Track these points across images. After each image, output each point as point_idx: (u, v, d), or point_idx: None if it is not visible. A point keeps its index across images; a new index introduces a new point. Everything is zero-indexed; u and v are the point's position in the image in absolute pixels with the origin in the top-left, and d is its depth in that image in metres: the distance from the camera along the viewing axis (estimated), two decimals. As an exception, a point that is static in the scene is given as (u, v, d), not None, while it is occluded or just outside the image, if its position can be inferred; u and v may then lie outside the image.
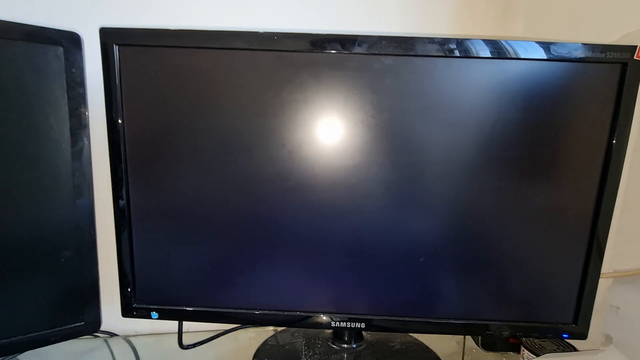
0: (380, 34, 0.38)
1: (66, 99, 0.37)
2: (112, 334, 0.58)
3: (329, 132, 0.41)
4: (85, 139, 0.39)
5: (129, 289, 0.44)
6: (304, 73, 0.39)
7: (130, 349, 0.56)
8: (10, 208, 0.37)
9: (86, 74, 0.40)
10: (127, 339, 0.57)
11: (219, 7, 0.52)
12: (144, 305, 0.45)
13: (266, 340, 0.54)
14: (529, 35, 0.57)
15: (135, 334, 0.59)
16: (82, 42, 0.38)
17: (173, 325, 0.51)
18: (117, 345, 0.56)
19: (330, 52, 0.39)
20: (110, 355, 0.55)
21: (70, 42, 0.37)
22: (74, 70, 0.37)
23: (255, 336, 0.57)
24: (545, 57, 0.38)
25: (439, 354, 0.52)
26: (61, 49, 0.36)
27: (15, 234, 0.38)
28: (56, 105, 0.37)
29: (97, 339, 0.57)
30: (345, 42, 0.38)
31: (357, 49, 0.38)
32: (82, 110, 0.39)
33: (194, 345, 0.52)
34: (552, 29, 0.55)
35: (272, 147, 0.41)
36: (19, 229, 0.38)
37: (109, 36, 0.39)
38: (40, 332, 0.41)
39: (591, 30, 0.49)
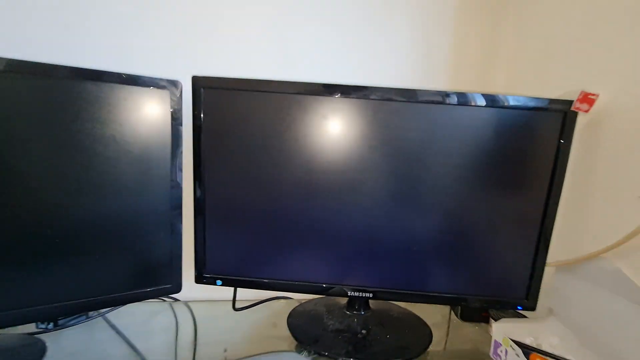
0: (389, 86, 0.54)
1: (169, 127, 0.54)
2: (176, 299, 0.74)
3: (346, 153, 0.56)
4: (180, 152, 0.56)
5: (202, 262, 0.61)
6: (331, 110, 0.55)
7: (188, 311, 0.72)
8: (131, 197, 0.53)
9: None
10: (186, 303, 0.74)
11: (273, 63, 0.70)
12: (212, 275, 0.61)
13: (295, 307, 0.70)
14: (508, 88, 0.74)
15: (193, 300, 0.75)
16: (181, 87, 0.54)
17: (219, 294, 0.68)
18: (179, 308, 0.73)
19: (349, 97, 0.54)
20: (174, 316, 0.71)
21: (174, 86, 0.53)
22: (175, 106, 0.53)
23: (284, 305, 0.73)
24: (508, 106, 0.54)
25: (428, 323, 0.68)
26: (167, 91, 0.53)
27: (132, 215, 0.54)
28: (163, 130, 0.53)
29: (164, 303, 0.74)
30: (361, 90, 0.54)
31: (372, 96, 0.54)
32: (179, 132, 0.55)
33: (242, 309, 0.69)
34: (524, 83, 0.70)
35: (308, 164, 0.57)
36: (135, 213, 0.54)
37: (198, 81, 0.55)
38: (141, 290, 0.57)
39: (551, 86, 0.64)
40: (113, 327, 0.65)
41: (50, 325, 0.60)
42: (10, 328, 0.58)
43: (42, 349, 0.54)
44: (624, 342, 0.48)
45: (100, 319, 0.66)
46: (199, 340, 0.62)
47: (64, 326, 0.62)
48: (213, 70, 0.69)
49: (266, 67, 0.71)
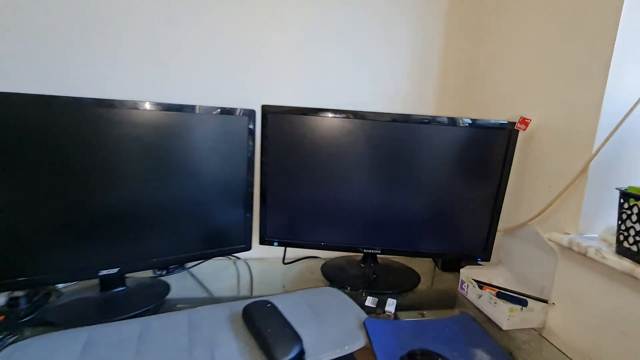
0: (391, 112, 0.80)
1: (245, 140, 0.80)
2: (238, 258, 1.03)
3: (363, 155, 0.83)
4: (253, 155, 0.82)
5: (264, 230, 0.89)
6: (354, 127, 0.82)
7: (246, 266, 1.01)
8: (222, 184, 0.80)
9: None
10: (245, 261, 1.03)
11: (310, 92, 0.95)
12: (271, 239, 0.90)
13: (325, 262, 0.99)
14: (479, 113, 1.00)
15: (249, 258, 1.04)
16: (256, 114, 0.80)
17: (268, 254, 0.97)
18: (240, 264, 1.02)
19: (365, 119, 0.81)
20: (235, 270, 1.00)
21: (251, 114, 0.79)
22: (251, 125, 0.80)
23: (316, 262, 1.02)
24: (476, 125, 0.80)
25: (418, 271, 0.97)
26: (247, 117, 0.79)
27: (222, 197, 0.81)
28: (243, 143, 0.80)
29: (229, 260, 1.03)
30: (374, 114, 0.80)
31: (383, 118, 0.81)
32: (253, 142, 0.82)
33: (288, 263, 0.98)
34: (490, 110, 0.97)
35: (336, 163, 0.84)
36: (225, 195, 0.81)
37: (266, 109, 0.81)
38: (225, 248, 0.86)
39: (504, 111, 0.91)
40: (193, 276, 0.94)
41: (164, 272, 0.89)
42: (138, 272, 0.87)
43: (168, 286, 0.82)
44: (540, 276, 0.78)
45: (185, 271, 0.95)
46: (261, 283, 0.90)
47: (171, 273, 0.90)
48: (271, 97, 0.95)
49: (307, 94, 0.98)
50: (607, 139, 0.63)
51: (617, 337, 0.60)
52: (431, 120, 0.81)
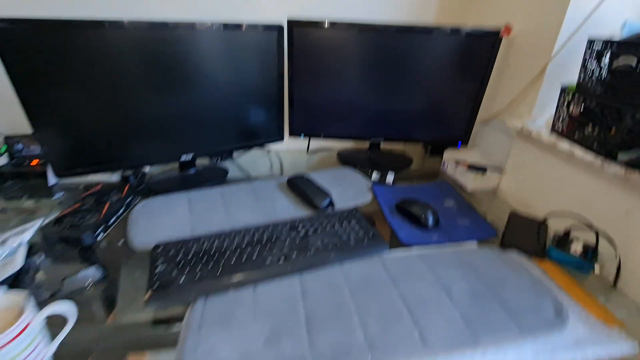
0: (397, 20, 0.96)
1: (276, 52, 0.98)
2: (269, 151, 1.30)
3: (373, 59, 1.02)
4: (281, 65, 1.01)
5: (292, 125, 1.13)
6: (364, 37, 0.98)
7: (277, 157, 1.29)
8: (260, 90, 1.02)
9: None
10: (277, 152, 1.30)
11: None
12: (298, 132, 1.15)
13: (339, 151, 1.27)
14: (476, 22, 1.12)
15: (280, 150, 1.31)
16: (284, 28, 0.96)
17: (294, 147, 1.23)
18: (273, 154, 1.29)
19: (375, 30, 0.97)
20: (268, 159, 1.28)
21: (279, 29, 0.95)
22: (279, 39, 0.97)
23: (332, 152, 1.30)
24: (468, 33, 0.97)
25: (412, 156, 1.25)
26: (276, 32, 0.95)
27: (259, 100, 1.04)
28: (274, 55, 0.98)
29: (263, 152, 1.30)
30: (380, 26, 0.96)
31: (389, 29, 0.97)
32: (282, 52, 1.00)
33: (311, 152, 1.26)
34: (486, 18, 1.09)
35: (349, 66, 1.03)
36: (262, 99, 1.04)
37: (291, 23, 0.97)
38: (264, 139, 1.11)
39: (494, 19, 1.04)
40: (238, 165, 1.22)
41: (219, 160, 1.17)
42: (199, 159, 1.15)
43: (226, 169, 1.11)
44: (501, 154, 1.05)
45: (231, 160, 1.23)
46: (290, 168, 1.19)
47: (222, 161, 1.19)
48: (294, 11, 1.08)
49: (324, 8, 1.10)
50: (561, 48, 0.82)
51: (542, 189, 0.90)
52: (433, 30, 0.97)
